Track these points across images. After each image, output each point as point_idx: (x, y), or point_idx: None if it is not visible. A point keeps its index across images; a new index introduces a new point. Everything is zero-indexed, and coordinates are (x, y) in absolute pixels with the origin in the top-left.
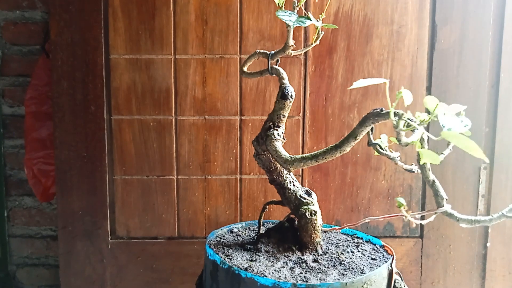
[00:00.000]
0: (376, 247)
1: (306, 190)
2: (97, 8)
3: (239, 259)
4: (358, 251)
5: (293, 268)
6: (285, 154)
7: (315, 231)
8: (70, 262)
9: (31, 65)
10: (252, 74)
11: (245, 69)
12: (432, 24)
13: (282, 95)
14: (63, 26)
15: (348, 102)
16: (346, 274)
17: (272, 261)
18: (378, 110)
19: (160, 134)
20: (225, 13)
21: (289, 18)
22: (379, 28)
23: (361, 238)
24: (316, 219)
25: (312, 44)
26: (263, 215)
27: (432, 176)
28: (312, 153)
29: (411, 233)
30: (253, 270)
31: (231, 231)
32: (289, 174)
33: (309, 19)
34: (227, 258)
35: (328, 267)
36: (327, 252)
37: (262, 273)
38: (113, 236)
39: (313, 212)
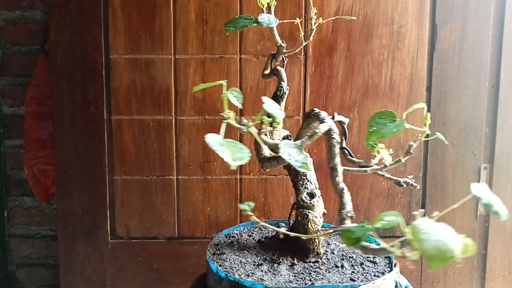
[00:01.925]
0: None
1: (310, 192)
2: (97, 8)
3: (242, 269)
4: (359, 257)
5: (285, 274)
6: (263, 153)
7: (312, 237)
8: (70, 262)
9: (31, 65)
10: (269, 75)
11: (266, 72)
12: (432, 24)
13: (273, 95)
14: (63, 26)
15: (348, 102)
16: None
17: (269, 269)
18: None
19: (160, 134)
20: (225, 13)
21: (268, 20)
22: (379, 28)
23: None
24: (310, 224)
25: (303, 42)
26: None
27: (342, 184)
28: (274, 155)
29: None
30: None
31: (231, 236)
32: (305, 176)
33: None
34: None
35: (317, 278)
36: (321, 260)
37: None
38: (113, 236)
39: (305, 216)
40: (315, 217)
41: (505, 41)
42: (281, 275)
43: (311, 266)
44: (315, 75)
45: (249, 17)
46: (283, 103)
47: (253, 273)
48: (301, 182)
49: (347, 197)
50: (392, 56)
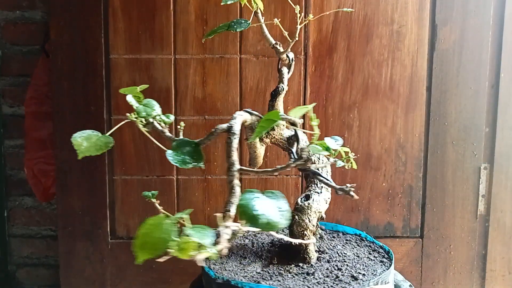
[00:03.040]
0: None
1: (308, 194)
2: (97, 8)
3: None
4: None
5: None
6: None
7: (305, 242)
8: (70, 262)
9: (31, 65)
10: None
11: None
12: (432, 24)
13: (271, 94)
14: (63, 26)
15: (348, 102)
16: None
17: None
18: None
19: (160, 134)
20: (225, 13)
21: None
22: (379, 28)
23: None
24: (295, 227)
25: (292, 41)
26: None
27: (235, 183)
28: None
29: (411, 233)
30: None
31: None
32: (317, 176)
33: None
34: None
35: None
36: (316, 266)
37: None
38: (113, 236)
39: (294, 217)
40: (302, 220)
41: (505, 41)
42: (270, 277)
43: (297, 271)
44: (315, 75)
45: (224, 25)
46: (280, 102)
47: (244, 275)
48: (310, 184)
49: (235, 198)
50: (392, 56)
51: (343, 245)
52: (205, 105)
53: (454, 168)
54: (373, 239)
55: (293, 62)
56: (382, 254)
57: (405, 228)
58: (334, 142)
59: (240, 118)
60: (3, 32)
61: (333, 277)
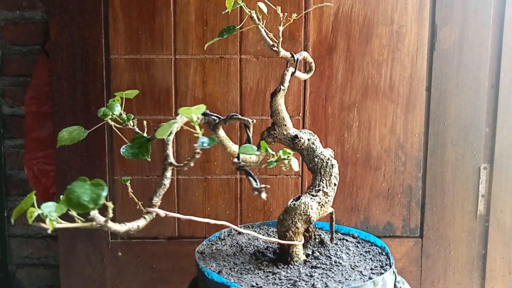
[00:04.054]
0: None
1: (299, 196)
2: (97, 8)
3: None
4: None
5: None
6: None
7: (291, 244)
8: (70, 262)
9: (31, 65)
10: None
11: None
12: (432, 24)
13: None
14: (63, 26)
15: (348, 102)
16: None
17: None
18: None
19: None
20: (225, 14)
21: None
22: (379, 28)
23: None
24: (278, 226)
25: (278, 42)
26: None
27: (166, 173)
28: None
29: (411, 233)
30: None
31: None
32: (320, 175)
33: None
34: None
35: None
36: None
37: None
38: (113, 236)
39: (279, 217)
40: (285, 220)
41: (505, 41)
42: (260, 277)
43: (270, 271)
44: (315, 75)
45: (219, 34)
46: (280, 102)
47: (236, 274)
48: (310, 186)
49: (161, 189)
50: (392, 56)
51: (346, 253)
52: (205, 105)
53: (453, 168)
54: (388, 255)
55: (298, 62)
56: (379, 272)
57: (405, 228)
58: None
59: (181, 120)
60: (3, 32)
61: (300, 285)
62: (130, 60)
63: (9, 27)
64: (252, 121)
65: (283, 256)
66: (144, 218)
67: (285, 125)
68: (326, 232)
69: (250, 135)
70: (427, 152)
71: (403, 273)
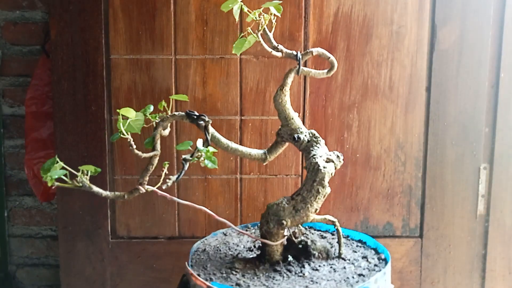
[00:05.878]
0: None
1: (292, 196)
2: (98, 8)
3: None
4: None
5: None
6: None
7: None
8: (70, 262)
9: (31, 65)
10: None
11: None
12: (432, 24)
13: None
14: (63, 26)
15: (347, 102)
16: None
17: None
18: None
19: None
20: (225, 14)
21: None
22: (379, 29)
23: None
24: (262, 227)
25: (278, 45)
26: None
27: (153, 164)
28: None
29: (411, 233)
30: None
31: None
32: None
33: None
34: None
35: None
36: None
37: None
38: (113, 236)
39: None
40: (264, 220)
41: (505, 41)
42: (246, 278)
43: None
44: None
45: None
46: (285, 99)
47: (224, 277)
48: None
49: (146, 173)
50: (392, 56)
51: (329, 271)
52: (205, 105)
53: (453, 168)
54: (387, 262)
55: (300, 61)
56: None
57: (405, 227)
58: (201, 143)
59: (169, 120)
60: (3, 32)
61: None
62: (130, 60)
63: (9, 27)
64: (209, 120)
65: (261, 254)
66: (132, 192)
67: (288, 125)
68: (329, 241)
69: (207, 134)
70: (427, 152)
71: (403, 273)
